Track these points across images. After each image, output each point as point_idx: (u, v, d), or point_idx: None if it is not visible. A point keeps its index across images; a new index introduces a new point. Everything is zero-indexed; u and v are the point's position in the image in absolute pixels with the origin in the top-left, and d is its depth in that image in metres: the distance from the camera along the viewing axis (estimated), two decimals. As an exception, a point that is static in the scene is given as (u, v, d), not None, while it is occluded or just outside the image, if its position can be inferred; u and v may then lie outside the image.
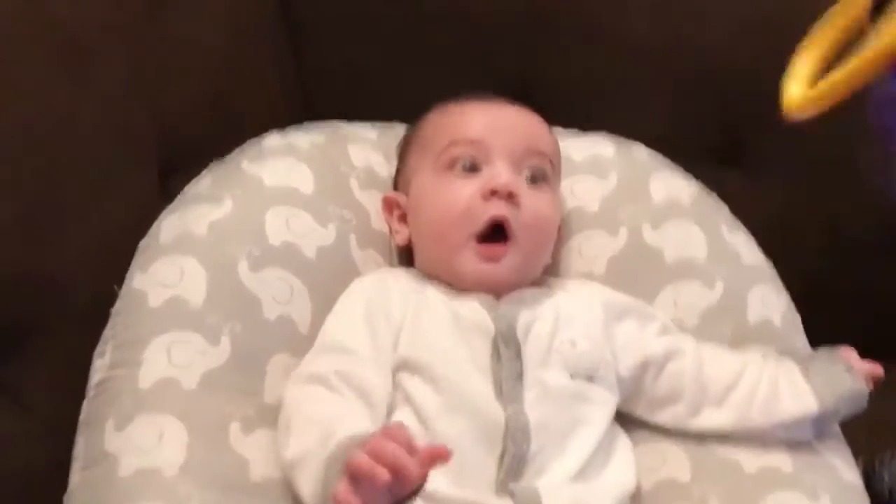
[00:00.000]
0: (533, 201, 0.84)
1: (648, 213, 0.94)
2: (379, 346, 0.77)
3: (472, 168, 0.84)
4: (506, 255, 0.82)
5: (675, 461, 0.82)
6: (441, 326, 0.79)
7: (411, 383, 0.76)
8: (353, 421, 0.70)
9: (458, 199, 0.83)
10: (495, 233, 0.82)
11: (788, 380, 0.83)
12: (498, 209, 0.82)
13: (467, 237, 0.82)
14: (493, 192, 0.82)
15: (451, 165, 0.85)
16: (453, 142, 0.85)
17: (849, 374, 0.82)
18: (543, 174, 0.87)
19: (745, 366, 0.84)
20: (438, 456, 0.63)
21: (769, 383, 0.82)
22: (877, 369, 0.83)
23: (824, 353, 0.85)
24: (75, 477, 0.71)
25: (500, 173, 0.83)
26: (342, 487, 0.62)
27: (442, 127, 0.88)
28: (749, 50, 1.06)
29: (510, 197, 0.82)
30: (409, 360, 0.77)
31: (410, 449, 0.62)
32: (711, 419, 0.83)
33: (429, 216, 0.85)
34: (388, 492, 0.63)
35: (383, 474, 0.60)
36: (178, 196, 0.87)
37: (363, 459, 0.61)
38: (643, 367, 0.83)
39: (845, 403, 0.81)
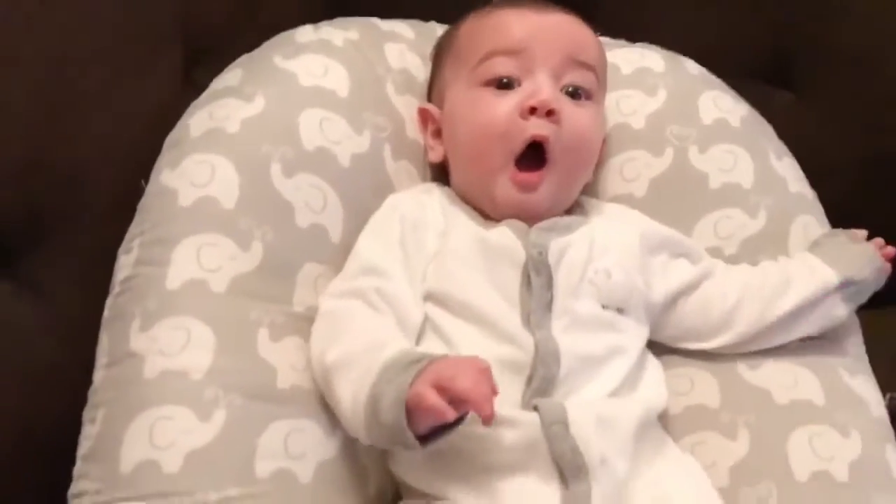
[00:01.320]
0: (575, 118, 0.79)
1: (696, 135, 0.90)
2: (412, 272, 0.75)
3: (510, 84, 0.80)
4: (542, 182, 0.79)
5: (703, 386, 0.82)
6: (470, 256, 0.76)
7: (438, 313, 0.75)
8: (399, 339, 0.69)
9: (495, 117, 0.79)
10: (533, 151, 0.79)
11: (799, 261, 0.83)
12: (538, 128, 0.78)
13: (505, 159, 0.79)
14: (533, 110, 0.78)
15: (488, 80, 0.80)
16: (490, 52, 0.80)
17: (852, 241, 0.83)
18: (587, 88, 0.82)
19: (761, 269, 0.83)
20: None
21: (781, 272, 0.82)
22: (877, 240, 0.84)
23: (824, 233, 0.86)
24: (99, 374, 0.71)
25: (540, 88, 0.78)
26: (431, 396, 0.61)
27: (478, 36, 0.83)
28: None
29: (550, 114, 0.78)
30: (436, 291, 0.75)
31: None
32: (738, 329, 0.81)
33: (464, 135, 0.81)
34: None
35: (481, 406, 0.61)
36: (207, 90, 0.84)
37: (463, 385, 0.61)
38: (674, 297, 0.82)
39: (861, 267, 0.81)
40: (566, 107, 0.79)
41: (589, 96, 0.82)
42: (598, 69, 0.84)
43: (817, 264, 0.81)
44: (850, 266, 0.81)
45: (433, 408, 0.61)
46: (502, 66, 0.80)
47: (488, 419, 0.61)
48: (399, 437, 0.63)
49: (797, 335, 0.81)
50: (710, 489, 0.74)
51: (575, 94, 0.81)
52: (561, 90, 0.80)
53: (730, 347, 0.82)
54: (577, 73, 0.81)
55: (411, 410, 0.62)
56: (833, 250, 0.83)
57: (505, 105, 0.79)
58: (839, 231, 0.86)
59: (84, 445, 0.68)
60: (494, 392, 0.62)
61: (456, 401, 0.62)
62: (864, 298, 0.83)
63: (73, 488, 0.67)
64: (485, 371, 0.63)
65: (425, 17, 0.98)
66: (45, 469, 0.73)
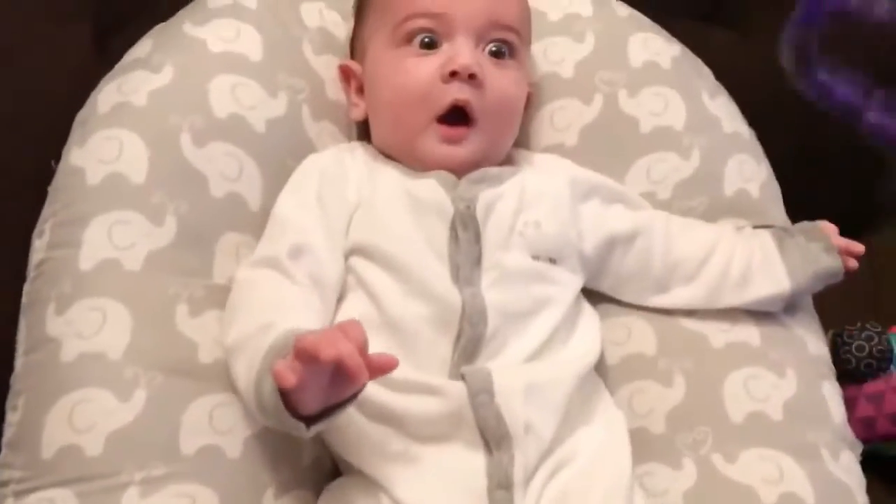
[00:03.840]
0: (497, 81, 0.78)
1: (626, 79, 0.88)
2: (331, 227, 0.74)
3: (431, 44, 0.78)
4: (468, 137, 0.78)
5: (640, 335, 0.82)
6: (397, 209, 0.75)
7: (364, 267, 0.73)
8: (296, 315, 0.67)
9: (416, 80, 0.77)
10: (456, 113, 0.77)
11: (763, 257, 0.80)
12: (460, 92, 0.77)
13: (428, 120, 0.77)
14: (454, 74, 0.76)
15: (408, 40, 0.79)
16: (411, 14, 0.78)
17: (826, 252, 0.80)
18: (509, 48, 0.80)
19: (718, 241, 0.82)
20: (386, 366, 0.60)
21: (742, 261, 0.80)
22: (856, 246, 0.81)
23: (803, 227, 0.83)
24: (19, 361, 0.70)
25: (460, 52, 0.77)
26: (281, 363, 0.59)
27: None
28: None
29: (472, 78, 0.76)
30: (362, 244, 0.74)
31: (361, 349, 0.59)
32: (680, 296, 0.81)
33: (385, 96, 0.80)
34: (327, 386, 0.61)
35: (328, 355, 0.56)
36: (119, 63, 0.81)
37: (310, 340, 0.58)
38: (609, 245, 0.81)
39: (819, 282, 0.80)
40: (488, 70, 0.78)
41: (512, 54, 0.81)
42: (521, 28, 0.82)
43: (780, 273, 0.79)
44: (809, 279, 0.79)
45: (278, 374, 0.58)
46: (423, 27, 0.78)
47: (355, 373, 0.57)
48: (283, 421, 0.62)
49: (731, 314, 0.80)
50: (625, 461, 0.72)
51: (498, 53, 0.80)
52: (483, 51, 0.79)
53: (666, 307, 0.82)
54: (499, 33, 0.80)
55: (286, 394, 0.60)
56: (799, 256, 0.80)
57: (426, 68, 0.77)
58: (816, 233, 0.81)
59: (7, 434, 0.68)
60: (360, 344, 0.58)
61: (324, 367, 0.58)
62: (804, 300, 0.83)
63: (-1, 477, 0.66)
64: (353, 330, 0.59)
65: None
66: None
